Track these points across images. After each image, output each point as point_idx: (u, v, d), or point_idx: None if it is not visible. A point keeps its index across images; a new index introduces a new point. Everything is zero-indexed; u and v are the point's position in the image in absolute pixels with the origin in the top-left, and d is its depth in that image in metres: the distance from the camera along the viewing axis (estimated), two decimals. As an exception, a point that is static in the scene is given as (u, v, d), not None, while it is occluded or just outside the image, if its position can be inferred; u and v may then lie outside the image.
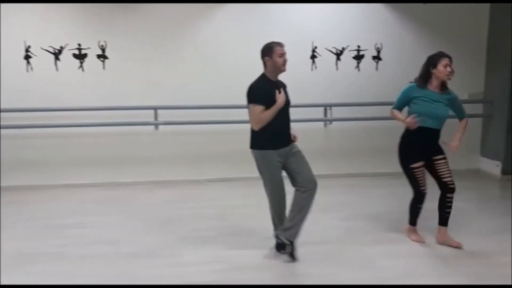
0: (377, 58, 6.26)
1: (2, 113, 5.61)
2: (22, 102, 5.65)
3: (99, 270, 3.49)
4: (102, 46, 5.79)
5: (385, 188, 5.69)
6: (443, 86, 3.80)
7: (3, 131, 5.68)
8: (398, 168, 6.75)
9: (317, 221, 4.53)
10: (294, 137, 3.79)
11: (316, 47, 6.14)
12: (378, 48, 6.24)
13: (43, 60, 5.71)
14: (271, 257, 3.69)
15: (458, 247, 3.77)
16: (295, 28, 6.04)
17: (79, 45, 5.76)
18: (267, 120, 3.49)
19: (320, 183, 6.15)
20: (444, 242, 3.86)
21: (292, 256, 3.63)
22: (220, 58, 5.98)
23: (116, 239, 4.11)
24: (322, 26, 6.10)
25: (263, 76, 3.64)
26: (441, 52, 3.81)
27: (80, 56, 5.78)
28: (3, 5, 5.55)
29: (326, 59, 6.17)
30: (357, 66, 6.26)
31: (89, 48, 5.78)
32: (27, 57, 5.69)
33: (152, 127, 5.99)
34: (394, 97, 6.65)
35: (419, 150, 3.80)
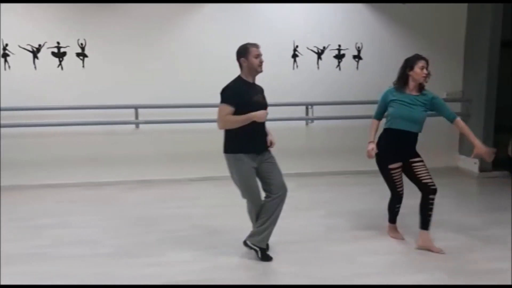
0: (357, 57, 6.32)
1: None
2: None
3: (80, 270, 3.45)
4: (82, 44, 5.72)
5: (367, 185, 5.75)
6: (420, 88, 3.81)
7: (-21, 131, 5.57)
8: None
9: (298, 219, 4.56)
10: (271, 142, 3.72)
11: (297, 47, 6.16)
12: (358, 47, 6.29)
13: (21, 58, 5.62)
14: (251, 257, 3.68)
15: (439, 252, 3.72)
16: (277, 27, 6.06)
17: (58, 43, 5.68)
18: (233, 125, 3.40)
19: (302, 181, 6.21)
20: (426, 247, 3.77)
21: (266, 259, 3.60)
22: (201, 57, 5.97)
23: (96, 239, 4.07)
24: (303, 25, 6.13)
25: (238, 78, 3.58)
26: (417, 54, 3.84)
27: (59, 55, 5.70)
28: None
29: (307, 58, 6.20)
30: (338, 65, 6.30)
31: (68, 46, 5.70)
32: (4, 56, 5.59)
33: (133, 126, 5.94)
34: (375, 96, 6.70)
35: (396, 152, 3.79)
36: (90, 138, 5.89)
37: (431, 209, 3.78)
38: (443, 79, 6.51)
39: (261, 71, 3.57)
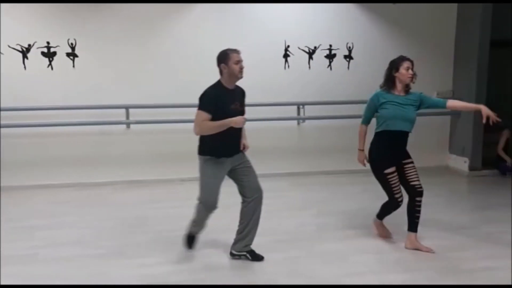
0: (348, 57, 6.34)
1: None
2: (-12, 101, 5.50)
3: (73, 271, 3.44)
4: (72, 44, 5.68)
5: (359, 185, 5.77)
6: (407, 89, 3.82)
7: (-32, 131, 5.51)
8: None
9: (290, 218, 4.57)
10: (244, 146, 3.71)
11: (288, 46, 6.17)
12: (349, 47, 6.32)
13: (10, 58, 5.56)
14: (243, 257, 3.68)
15: (428, 251, 3.75)
16: (268, 27, 6.07)
17: (48, 43, 5.63)
18: (208, 132, 3.37)
19: (294, 180, 6.21)
20: (415, 248, 3.78)
21: (257, 259, 3.61)
22: (193, 57, 5.95)
23: (89, 240, 4.05)
24: (295, 25, 6.14)
25: (218, 83, 3.53)
26: (402, 56, 3.86)
27: (49, 54, 5.66)
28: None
29: (298, 58, 6.21)
30: (329, 65, 6.32)
31: (58, 46, 5.66)
32: (-7, 55, 5.54)
33: (124, 126, 5.91)
34: (366, 96, 6.73)
35: (391, 155, 3.77)
36: (81, 138, 5.86)
37: (418, 211, 3.79)
38: (433, 79, 6.55)
39: (241, 77, 3.50)
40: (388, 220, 4.13)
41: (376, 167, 3.79)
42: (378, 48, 6.37)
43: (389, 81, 3.79)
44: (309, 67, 6.26)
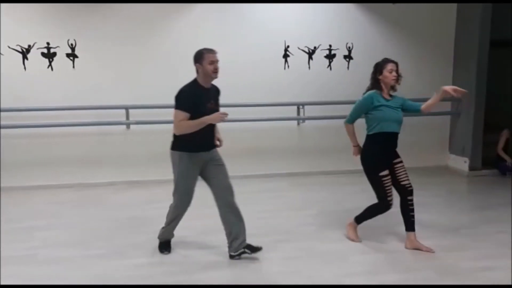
0: (348, 57, 6.34)
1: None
2: (-12, 102, 5.50)
3: (72, 272, 3.44)
4: (72, 45, 5.69)
5: (358, 185, 5.72)
6: (391, 92, 3.84)
7: (-32, 131, 5.52)
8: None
9: (290, 218, 4.58)
10: (219, 140, 3.76)
11: (288, 47, 6.17)
12: (349, 47, 6.32)
13: (10, 59, 5.56)
14: (243, 256, 3.68)
15: (429, 251, 3.73)
16: (268, 27, 6.07)
17: (48, 43, 5.64)
18: (188, 131, 3.42)
19: (293, 180, 6.21)
20: (415, 247, 3.79)
21: (255, 250, 3.62)
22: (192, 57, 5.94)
23: (88, 240, 4.05)
24: (295, 25, 6.14)
25: (194, 82, 3.58)
26: (385, 58, 3.88)
27: (49, 55, 5.66)
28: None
29: (298, 58, 6.21)
30: (329, 65, 6.32)
31: (58, 47, 5.66)
32: (-7, 56, 5.55)
33: (124, 126, 5.91)
34: (366, 96, 6.74)
35: (385, 157, 3.79)
36: (80, 139, 5.86)
37: (412, 210, 3.80)
38: (433, 79, 6.55)
39: (215, 77, 3.54)
40: (382, 220, 4.13)
41: (371, 170, 3.78)
42: (378, 48, 6.36)
43: (375, 84, 3.81)
44: (309, 67, 6.27)
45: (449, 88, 3.68)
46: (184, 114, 3.42)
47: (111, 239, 4.10)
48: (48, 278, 3.34)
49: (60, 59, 5.69)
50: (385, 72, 3.74)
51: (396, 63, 3.80)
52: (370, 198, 5.16)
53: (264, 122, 6.18)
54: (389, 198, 3.76)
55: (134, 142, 6.00)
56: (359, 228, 4.06)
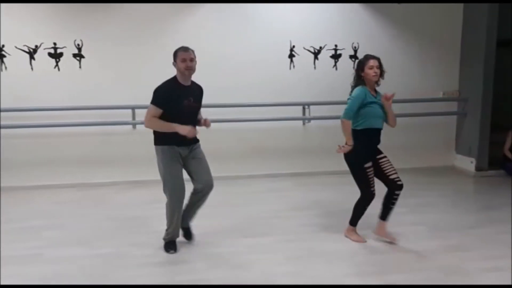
0: (354, 57, 6.32)
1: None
2: (-5, 102, 5.55)
3: (77, 271, 3.45)
4: (79, 45, 5.72)
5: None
6: (374, 88, 3.87)
7: (-25, 131, 5.57)
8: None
9: (294, 218, 4.58)
10: (206, 121, 3.84)
11: (294, 47, 6.17)
12: (355, 47, 6.30)
13: (17, 59, 5.61)
14: (248, 256, 3.70)
15: (392, 242, 3.85)
16: (273, 27, 6.07)
17: (55, 44, 5.68)
18: (156, 129, 3.60)
19: (298, 180, 6.21)
20: (382, 235, 3.93)
21: (187, 237, 3.94)
22: (198, 57, 5.94)
23: (92, 240, 4.07)
24: (300, 25, 6.14)
25: (173, 79, 3.68)
26: (367, 54, 3.87)
27: (56, 55, 5.70)
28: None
29: (304, 58, 6.21)
30: (335, 65, 6.31)
31: (65, 47, 5.70)
32: (0, 56, 5.58)
33: (130, 126, 5.94)
34: (371, 96, 6.70)
35: (370, 150, 3.85)
36: (87, 138, 5.89)
37: (393, 203, 3.87)
38: (439, 79, 6.54)
39: (188, 75, 3.64)
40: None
41: (357, 163, 3.82)
42: (383, 48, 6.33)
43: (359, 80, 3.83)
44: (315, 67, 6.26)
45: (387, 95, 3.79)
46: (156, 110, 3.55)
47: (114, 238, 4.12)
48: (51, 277, 3.36)
49: (67, 59, 5.72)
50: (366, 69, 3.76)
51: (377, 59, 3.79)
52: (375, 198, 5.17)
53: (269, 122, 6.18)
54: (372, 189, 3.83)
55: (137, 142, 6.00)
56: (364, 229, 4.05)
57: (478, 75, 6.22)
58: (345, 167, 6.46)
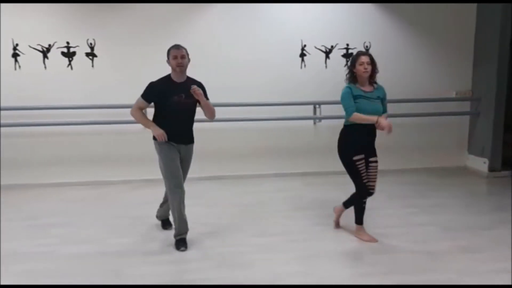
0: (366, 56, 6.29)
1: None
2: (9, 100, 5.60)
3: (88, 269, 3.49)
4: (91, 44, 5.77)
5: (374, 185, 5.73)
6: (371, 83, 3.90)
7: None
8: (387, 166, 6.79)
9: (304, 218, 4.57)
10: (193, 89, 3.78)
11: (305, 46, 6.16)
12: (366, 46, 6.27)
13: (31, 58, 5.67)
14: (256, 255, 3.70)
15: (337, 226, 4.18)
16: (285, 27, 6.07)
17: (68, 43, 5.73)
18: (136, 119, 3.91)
19: (308, 180, 6.20)
20: (337, 224, 4.29)
21: (164, 226, 4.30)
22: (210, 57, 5.98)
23: (103, 238, 4.10)
24: (312, 24, 6.12)
25: (167, 76, 3.87)
26: (359, 51, 3.95)
27: (69, 54, 5.75)
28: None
29: (315, 57, 6.19)
30: (346, 64, 6.28)
31: (77, 46, 5.75)
32: (14, 55, 5.65)
33: (141, 125, 5.94)
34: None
35: (360, 146, 3.86)
36: (98, 137, 5.94)
37: (351, 204, 4.07)
38: (452, 79, 6.48)
39: (179, 71, 3.79)
40: (397, 220, 4.09)
41: (345, 155, 3.88)
42: (396, 48, 6.32)
43: (351, 77, 3.88)
44: (326, 66, 6.24)
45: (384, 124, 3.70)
46: (143, 102, 3.86)
47: (126, 236, 4.15)
48: (65, 274, 3.40)
49: (80, 59, 5.77)
50: (357, 66, 3.80)
51: (369, 55, 3.82)
52: (384, 198, 5.16)
53: (280, 121, 6.18)
54: (365, 181, 3.88)
55: (149, 141, 5.99)
56: (374, 229, 4.04)
57: (491, 74, 6.16)
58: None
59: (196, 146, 6.01)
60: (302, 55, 6.18)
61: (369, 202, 5.06)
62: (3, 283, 3.27)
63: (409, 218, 4.52)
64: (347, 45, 6.23)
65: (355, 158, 3.83)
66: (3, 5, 5.52)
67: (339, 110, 6.14)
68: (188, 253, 3.76)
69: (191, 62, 5.90)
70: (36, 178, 5.86)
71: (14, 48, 5.64)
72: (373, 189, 3.94)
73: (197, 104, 3.94)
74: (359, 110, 3.76)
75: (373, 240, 3.96)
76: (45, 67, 5.73)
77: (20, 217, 4.67)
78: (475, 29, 6.43)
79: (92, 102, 5.74)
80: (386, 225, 4.31)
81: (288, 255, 3.70)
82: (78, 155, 5.95)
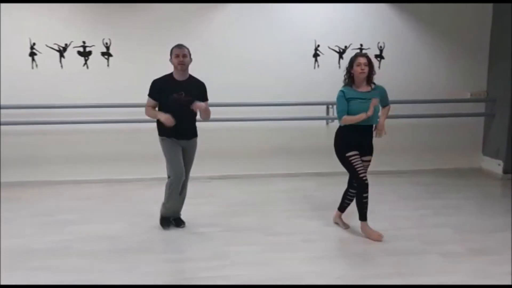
0: (379, 56, 6.28)
1: (3, 110, 5.67)
2: (26, 98, 5.69)
3: (102, 265, 3.53)
4: (107, 44, 5.84)
5: (387, 186, 5.71)
6: (370, 83, 4.00)
7: (3, 127, 5.72)
8: (401, 167, 6.77)
9: (317, 218, 4.57)
10: (199, 105, 4.03)
11: (318, 46, 6.16)
12: (380, 46, 6.25)
13: (48, 57, 5.76)
14: (269, 255, 3.72)
15: (347, 228, 4.23)
16: (298, 27, 6.07)
17: (84, 42, 5.80)
18: (149, 116, 4.10)
19: (322, 180, 6.20)
20: (335, 222, 4.38)
21: (177, 224, 4.30)
22: (223, 57, 6.01)
23: (117, 235, 4.15)
24: (325, 25, 6.12)
25: (169, 74, 4.08)
26: (357, 53, 4.17)
27: (85, 54, 5.82)
28: (7, 3, 5.60)
29: (328, 57, 6.18)
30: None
31: (93, 45, 5.82)
32: (32, 54, 5.74)
33: (155, 124, 5.99)
34: (397, 95, 6.65)
35: (354, 143, 3.98)
36: (114, 135, 6.00)
37: (350, 200, 4.25)
38: (467, 79, 6.43)
39: (180, 70, 4.00)
40: (410, 223, 4.07)
41: (339, 152, 4.06)
42: (410, 48, 6.29)
43: (349, 77, 3.98)
44: (339, 67, 6.22)
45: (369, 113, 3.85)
46: (150, 101, 4.08)
47: (140, 234, 4.20)
48: (80, 270, 3.45)
49: (95, 58, 5.84)
50: (355, 66, 3.91)
51: (366, 57, 3.93)
52: (398, 199, 5.15)
53: (293, 121, 6.19)
54: (361, 175, 3.97)
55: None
56: (386, 230, 4.03)
57: (506, 75, 6.10)
58: (369, 167, 6.45)
59: (210, 144, 6.08)
60: (316, 55, 6.18)
61: (382, 202, 5.07)
62: (13, 279, 3.31)
63: (422, 219, 4.50)
64: (361, 45, 6.22)
65: (348, 154, 3.97)
66: (22, 5, 5.61)
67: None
68: (201, 252, 3.79)
69: (205, 62, 5.99)
70: (51, 175, 5.94)
71: (32, 47, 5.72)
72: (367, 178, 4.03)
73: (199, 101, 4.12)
74: (351, 111, 3.90)
75: (380, 237, 3.99)
76: (62, 66, 5.81)
77: (35, 214, 4.74)
78: (491, 29, 6.37)
79: (107, 101, 5.81)
80: (399, 227, 4.30)
81: (302, 255, 3.71)
82: (93, 153, 6.02)
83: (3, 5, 5.58)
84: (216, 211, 4.84)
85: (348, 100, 3.92)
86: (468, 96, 6.46)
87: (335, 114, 6.15)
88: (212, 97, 5.87)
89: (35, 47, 5.73)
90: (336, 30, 6.14)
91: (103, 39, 5.82)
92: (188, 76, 4.09)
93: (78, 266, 3.51)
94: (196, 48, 5.95)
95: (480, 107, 6.52)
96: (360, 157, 4.00)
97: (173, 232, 4.22)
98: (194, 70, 6.10)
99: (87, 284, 3.26)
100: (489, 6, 6.31)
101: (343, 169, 6.23)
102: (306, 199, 5.25)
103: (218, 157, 6.19)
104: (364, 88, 3.97)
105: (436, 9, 6.22)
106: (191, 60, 4.10)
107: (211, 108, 5.87)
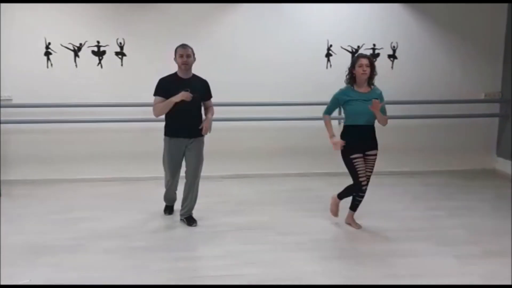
0: (392, 56, 6.25)
1: (19, 109, 5.76)
2: (41, 97, 5.75)
3: (115, 262, 3.56)
4: (121, 43, 5.88)
5: (400, 186, 5.69)
6: (370, 84, 4.11)
7: (18, 125, 5.79)
8: (414, 167, 6.72)
9: (327, 218, 4.56)
10: (203, 128, 4.22)
11: (331, 46, 6.15)
12: (393, 46, 6.22)
13: (63, 56, 5.82)
14: (283, 255, 3.72)
15: (358, 228, 4.28)
16: (311, 26, 6.06)
17: (98, 42, 5.86)
18: (161, 111, 4.12)
19: (333, 180, 6.16)
20: (348, 223, 4.37)
21: (189, 223, 4.35)
22: (236, 57, 6.03)
23: (130, 233, 4.18)
24: (337, 24, 6.10)
25: (173, 73, 4.21)
26: (359, 54, 4.29)
27: (99, 53, 5.88)
28: (23, 3, 5.68)
29: (341, 57, 6.16)
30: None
31: (107, 45, 5.87)
32: (47, 54, 5.81)
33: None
34: (410, 96, 6.63)
35: (358, 144, 4.08)
36: (127, 134, 6.05)
37: (347, 195, 4.31)
38: (481, 80, 6.37)
39: (184, 69, 4.14)
40: (421, 223, 4.04)
41: (345, 153, 4.13)
42: (423, 48, 6.25)
43: (351, 78, 4.10)
44: (352, 67, 6.21)
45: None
46: (157, 99, 4.14)
47: (153, 232, 4.23)
48: (92, 267, 3.48)
49: (109, 57, 5.90)
50: (357, 68, 4.03)
51: (368, 58, 4.04)
52: (410, 199, 5.13)
53: (305, 121, 6.18)
54: (360, 179, 4.09)
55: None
56: (398, 232, 4.01)
57: (522, 76, 6.03)
58: (379, 168, 6.42)
59: (221, 144, 6.10)
60: (328, 55, 6.17)
61: (395, 203, 5.05)
62: (26, 275, 3.35)
63: (435, 220, 4.47)
64: (374, 45, 6.19)
65: (352, 156, 4.07)
66: (36, 4, 5.67)
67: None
68: (211, 251, 3.81)
69: (217, 61, 6.01)
70: (65, 173, 6.00)
71: (47, 47, 5.79)
72: (366, 183, 4.13)
73: (202, 99, 4.31)
74: (352, 111, 4.06)
75: (334, 214, 4.36)
76: (76, 66, 5.87)
77: (49, 211, 4.79)
78: (506, 29, 6.30)
79: (121, 100, 5.85)
80: (411, 228, 4.28)
81: (312, 254, 3.71)
82: (107, 152, 6.07)
83: (20, 5, 5.66)
84: (228, 210, 4.85)
85: (348, 101, 4.07)
86: (482, 96, 6.40)
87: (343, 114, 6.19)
88: (224, 96, 5.91)
89: (50, 46, 5.80)
90: (349, 30, 6.13)
91: (117, 38, 5.87)
92: (191, 74, 4.24)
93: (91, 263, 3.55)
94: (208, 47, 6.01)
95: (494, 108, 6.46)
96: (365, 153, 4.09)
97: (185, 231, 4.24)
98: (206, 69, 6.12)
99: (90, 284, 3.25)
100: (504, 6, 6.24)
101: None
102: (317, 198, 5.24)
103: (229, 157, 6.21)
104: (365, 89, 4.09)
105: (450, 9, 6.17)
106: (194, 59, 4.22)
107: (224, 108, 5.98)
